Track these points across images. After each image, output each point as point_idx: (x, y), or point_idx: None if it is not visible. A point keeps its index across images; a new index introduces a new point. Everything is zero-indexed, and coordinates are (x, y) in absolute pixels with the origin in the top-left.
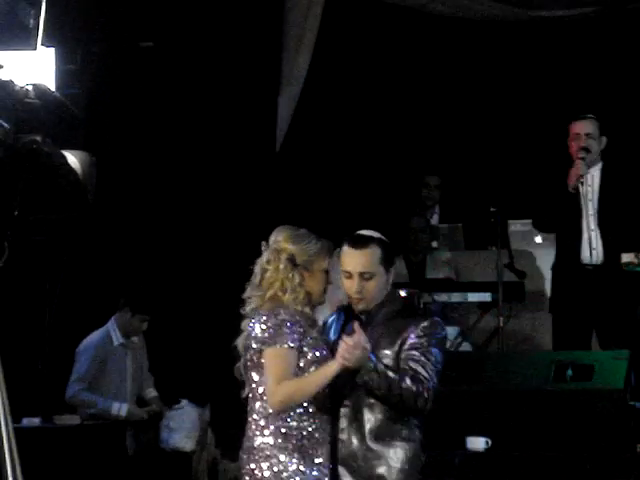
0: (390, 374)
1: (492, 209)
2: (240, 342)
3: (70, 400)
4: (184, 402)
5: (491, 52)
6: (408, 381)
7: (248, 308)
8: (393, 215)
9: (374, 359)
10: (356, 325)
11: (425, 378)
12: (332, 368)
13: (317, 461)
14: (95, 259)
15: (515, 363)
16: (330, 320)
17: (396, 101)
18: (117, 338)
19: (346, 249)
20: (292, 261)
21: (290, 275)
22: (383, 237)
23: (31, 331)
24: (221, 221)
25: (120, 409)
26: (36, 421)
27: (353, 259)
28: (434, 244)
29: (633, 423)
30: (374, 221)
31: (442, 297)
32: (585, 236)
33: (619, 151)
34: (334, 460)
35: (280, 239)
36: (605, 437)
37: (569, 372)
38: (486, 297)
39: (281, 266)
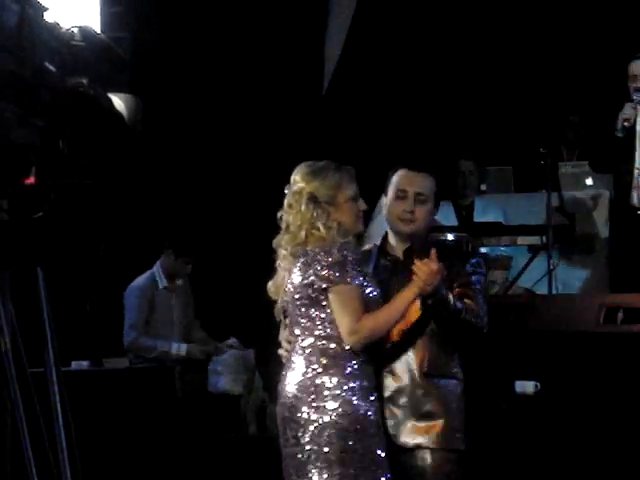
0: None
1: (542, 151)
2: (275, 284)
3: (129, 347)
4: (232, 340)
5: None
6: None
7: (289, 248)
8: (441, 158)
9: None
10: (433, 252)
11: (480, 307)
12: (411, 294)
13: (372, 399)
14: (141, 202)
15: (565, 306)
16: None
17: (446, 40)
18: (162, 281)
19: (403, 172)
20: (314, 199)
21: (315, 214)
22: None
23: (80, 274)
24: (268, 163)
25: (179, 349)
26: (85, 364)
27: (410, 179)
28: (483, 187)
29: None
30: (423, 164)
31: (491, 241)
32: (635, 176)
33: None
34: (384, 398)
35: (298, 179)
36: None
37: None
38: (536, 240)
39: (303, 208)
